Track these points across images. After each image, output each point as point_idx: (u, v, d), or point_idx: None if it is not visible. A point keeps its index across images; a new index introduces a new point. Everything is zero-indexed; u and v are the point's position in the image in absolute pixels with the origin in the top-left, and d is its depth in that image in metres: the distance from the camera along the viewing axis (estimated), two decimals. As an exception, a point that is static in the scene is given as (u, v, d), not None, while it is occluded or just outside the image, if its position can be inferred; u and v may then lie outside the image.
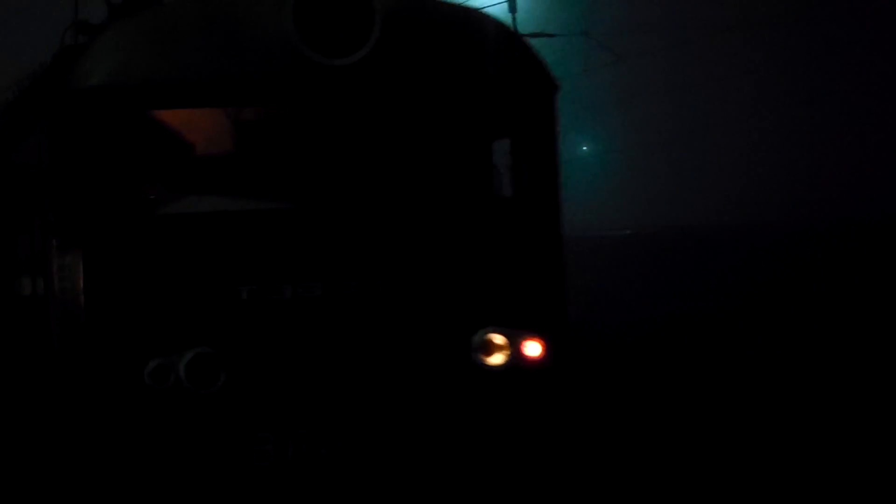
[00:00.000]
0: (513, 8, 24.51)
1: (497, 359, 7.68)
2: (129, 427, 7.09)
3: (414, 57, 7.61)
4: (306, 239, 7.41)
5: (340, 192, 7.56)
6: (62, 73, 7.67)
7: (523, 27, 28.18)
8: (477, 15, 8.28)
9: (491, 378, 7.64)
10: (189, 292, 7.23)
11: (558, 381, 7.87)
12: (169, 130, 7.44)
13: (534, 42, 30.07)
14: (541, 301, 7.88)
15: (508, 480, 7.62)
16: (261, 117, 7.59)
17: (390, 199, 7.62)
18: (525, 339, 7.73)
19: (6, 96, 10.34)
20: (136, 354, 7.09)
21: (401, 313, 7.53)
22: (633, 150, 60.47)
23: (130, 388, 7.06)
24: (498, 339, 7.70)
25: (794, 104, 55.05)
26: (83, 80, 7.21)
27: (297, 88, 7.31)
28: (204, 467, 7.20)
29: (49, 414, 7.81)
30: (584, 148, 67.28)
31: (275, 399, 7.30)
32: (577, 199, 64.22)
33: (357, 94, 7.43)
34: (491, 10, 29.92)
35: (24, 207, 8.40)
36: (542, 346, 7.74)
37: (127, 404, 7.08)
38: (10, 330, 8.93)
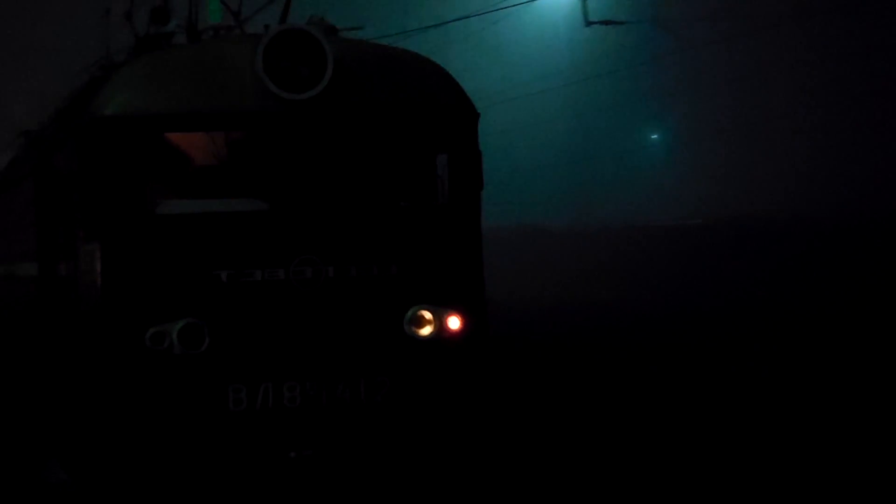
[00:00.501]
0: (583, -6, 24.48)
1: (426, 330, 9.88)
2: (133, 379, 9.30)
3: (360, 90, 9.85)
4: (274, 235, 9.59)
5: (303, 198, 9.70)
6: (88, 100, 10.15)
7: (594, 14, 28.08)
8: (413, 56, 10.52)
9: (421, 346, 9.85)
10: (181, 275, 9.44)
11: (475, 349, 10.05)
12: (168, 149, 9.68)
13: (603, 29, 29.97)
14: (461, 285, 10.11)
15: (433, 425, 9.77)
16: (241, 140, 9.82)
17: (342, 205, 9.82)
18: (448, 315, 9.93)
19: (55, 109, 13.50)
20: (139, 322, 9.31)
21: (349, 294, 9.71)
22: (704, 138, 60.00)
23: (135, 348, 9.29)
24: (426, 314, 9.87)
25: (861, 94, 54.30)
26: (102, 108, 9.56)
27: (269, 118, 9.61)
28: (190, 412, 9.37)
29: (77, 363, 10.35)
30: (654, 136, 66.98)
31: (246, 359, 9.50)
32: (648, 188, 63.94)
33: (316, 121, 9.70)
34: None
35: (62, 204, 10.76)
36: (461, 320, 9.95)
37: (131, 361, 9.31)
38: (52, 301, 11.58)
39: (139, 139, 9.45)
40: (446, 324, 9.91)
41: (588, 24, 27.11)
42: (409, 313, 9.83)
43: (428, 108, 10.13)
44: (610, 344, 27.57)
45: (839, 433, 14.61)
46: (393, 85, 10.01)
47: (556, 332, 31.56)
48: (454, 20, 24.47)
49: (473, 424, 9.95)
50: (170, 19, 10.86)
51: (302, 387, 9.54)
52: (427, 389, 9.82)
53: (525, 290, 51.86)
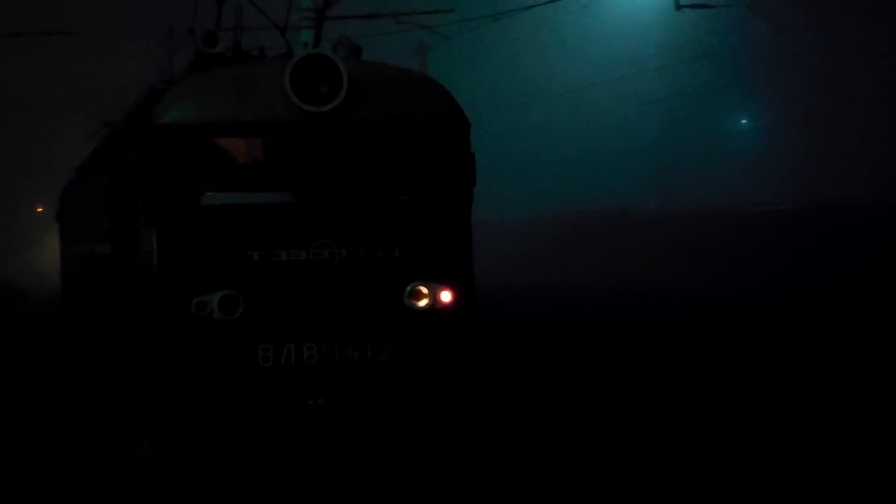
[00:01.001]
0: (674, -22, 24.38)
1: (422, 303, 11.84)
2: (181, 338, 11.31)
3: (370, 104, 11.82)
4: (297, 223, 11.56)
5: (322, 192, 11.68)
6: (150, 108, 12.20)
7: (685, -2, 27.93)
8: (418, 75, 13.04)
9: (418, 315, 11.79)
10: (220, 255, 11.42)
11: (464, 319, 12.01)
12: (212, 151, 11.62)
13: (693, 13, 29.79)
14: (453, 266, 12.09)
15: (428, 381, 11.72)
16: (271, 144, 11.80)
17: (354, 199, 11.77)
18: (441, 290, 11.89)
19: (128, 110, 15.52)
20: (186, 293, 11.32)
21: (358, 272, 11.66)
22: (794, 123, 59.28)
23: (182, 314, 11.31)
24: (423, 289, 11.82)
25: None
26: (159, 117, 11.61)
27: (294, 127, 11.62)
28: (226, 366, 11.33)
29: (139, 328, 12.49)
30: (743, 121, 66.29)
31: (273, 324, 11.45)
32: (736, 173, 63.35)
33: (333, 129, 11.70)
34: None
35: (129, 194, 12.80)
36: (452, 295, 11.93)
37: (180, 325, 11.31)
38: (121, 276, 13.74)
39: (188, 144, 11.49)
40: (439, 297, 11.92)
41: (679, 7, 27.00)
42: (409, 288, 11.83)
43: (427, 120, 12.15)
44: (695, 329, 27.51)
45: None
46: (398, 100, 12.09)
47: (642, 317, 31.54)
48: (544, 3, 24.49)
49: (462, 381, 11.93)
50: (217, 42, 12.99)
51: (319, 347, 11.57)
52: (423, 351, 11.82)
53: (613, 274, 51.77)
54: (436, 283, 11.89)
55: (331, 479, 11.19)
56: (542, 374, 20.10)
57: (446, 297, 11.92)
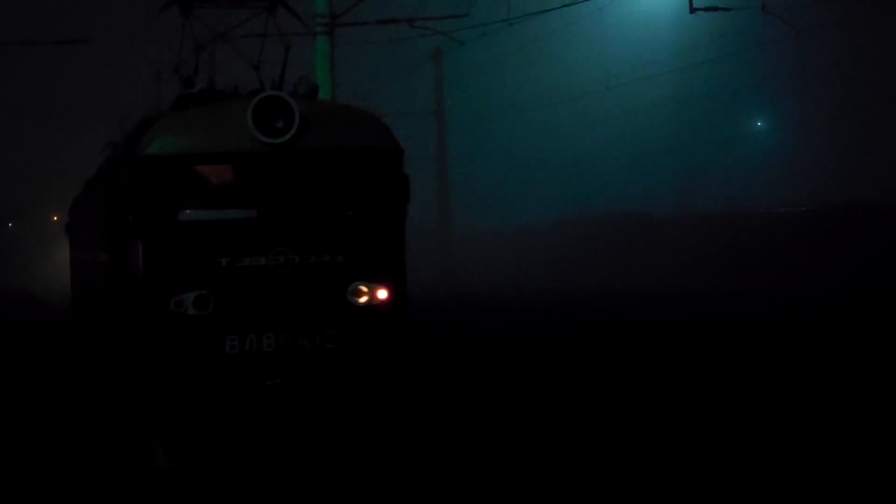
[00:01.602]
0: (688, -19, 24.29)
1: (362, 299, 14.00)
2: (163, 331, 13.45)
3: (318, 136, 14.04)
4: (258, 234, 13.73)
5: (278, 209, 13.89)
6: (138, 138, 14.47)
7: (699, 1, 27.86)
8: (358, 110, 15.23)
9: (358, 310, 14.00)
10: (194, 261, 13.54)
11: (397, 312, 14.23)
12: (188, 176, 13.81)
13: (708, 16, 29.66)
14: (388, 269, 14.27)
15: (367, 364, 13.97)
16: (237, 170, 14.00)
17: (305, 214, 13.98)
18: (378, 288, 14.06)
19: (124, 136, 17.99)
20: (166, 293, 13.47)
21: (309, 274, 13.84)
22: (810, 126, 59.13)
23: (163, 311, 13.47)
24: (363, 288, 13.97)
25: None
26: (145, 148, 13.80)
27: (255, 156, 13.86)
28: (199, 353, 13.46)
29: (129, 323, 14.69)
30: (759, 124, 66.16)
31: (238, 318, 13.59)
32: (753, 176, 63.22)
33: (287, 157, 13.93)
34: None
35: (123, 210, 14.74)
36: (387, 292, 14.14)
37: (162, 319, 13.48)
38: (114, 279, 16.05)
39: (168, 171, 13.74)
40: (376, 295, 14.13)
41: (693, 10, 26.93)
42: (351, 287, 14.01)
43: (365, 148, 14.42)
44: (712, 333, 27.45)
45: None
46: (342, 132, 14.41)
47: (658, 320, 31.48)
48: (558, 7, 24.47)
49: (396, 364, 14.26)
50: (194, 84, 15.13)
51: (276, 337, 13.78)
52: (362, 339, 14.07)
53: (630, 277, 51.70)
54: (373, 282, 14.17)
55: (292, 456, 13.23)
56: (547, 377, 20.09)
57: (382, 294, 14.20)
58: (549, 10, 24.22)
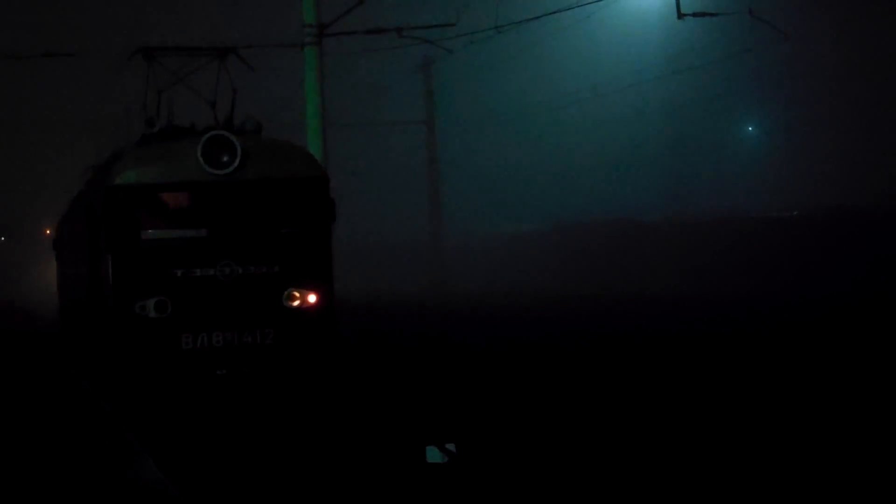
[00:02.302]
0: (676, -13, 24.31)
1: (295, 303, 16.75)
2: (127, 331, 16.18)
3: (256, 167, 16.81)
4: (208, 249, 16.43)
5: (225, 228, 16.62)
6: (108, 169, 17.32)
7: (687, 6, 27.90)
8: (290, 144, 18.10)
9: (292, 311, 16.73)
10: (155, 272, 16.26)
11: (325, 313, 16.97)
12: (149, 202, 16.57)
13: (697, 21, 29.69)
14: (316, 277, 16.97)
15: (299, 356, 16.69)
16: (189, 196, 16.72)
17: (247, 232, 16.69)
18: (308, 294, 16.77)
19: (94, 168, 21.65)
20: (131, 299, 16.21)
21: (251, 283, 16.57)
22: (799, 130, 59.23)
23: (129, 314, 16.18)
24: (296, 293, 16.73)
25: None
26: (112, 179, 16.61)
27: (204, 185, 16.57)
28: (159, 349, 16.18)
29: (101, 325, 17.46)
30: (749, 129, 66.25)
31: (191, 320, 16.25)
32: (743, 181, 63.28)
33: (231, 186, 16.68)
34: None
35: (96, 230, 17.37)
36: (316, 297, 16.85)
37: (128, 321, 16.19)
38: (90, 287, 18.50)
39: (132, 198, 16.52)
40: (307, 299, 16.90)
41: (681, 16, 26.96)
42: (286, 293, 16.83)
43: (296, 178, 17.24)
44: (705, 338, 27.45)
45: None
46: (277, 164, 17.18)
47: (649, 327, 31.49)
48: (547, 14, 24.51)
49: (324, 356, 17.07)
50: (155, 124, 17.89)
51: (223, 335, 16.50)
52: (295, 336, 16.84)
53: (621, 284, 51.69)
54: (304, 289, 16.91)
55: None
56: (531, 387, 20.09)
57: (312, 298, 16.95)
58: (537, 18, 24.25)
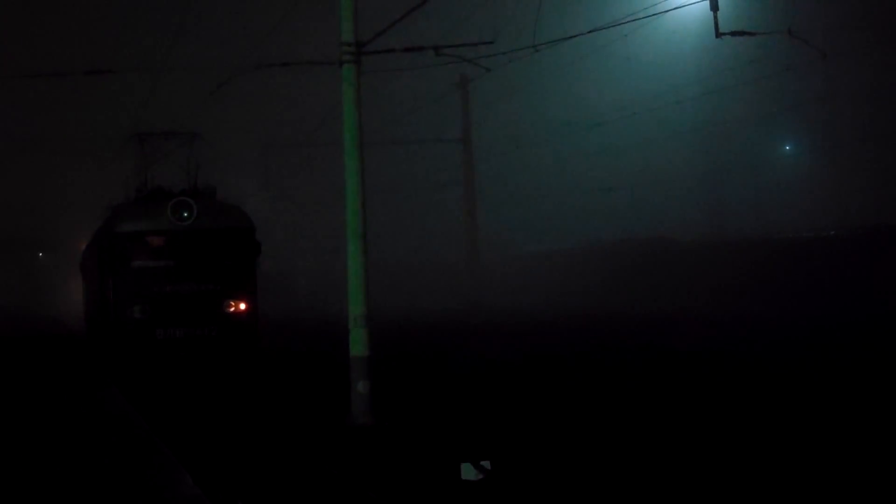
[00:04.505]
0: (714, 6, 24.20)
1: (231, 309, 25.18)
2: (123, 328, 25.19)
3: (206, 221, 25.59)
4: (174, 275, 25.23)
5: (185, 261, 25.33)
6: (112, 220, 26.99)
7: (725, 25, 27.84)
8: (229, 205, 26.90)
9: (229, 315, 25.29)
10: (140, 289, 25.00)
11: (250, 317, 25.50)
12: (138, 244, 25.37)
13: (735, 40, 29.60)
14: (245, 293, 25.60)
15: (232, 346, 25.21)
16: (163, 240, 25.42)
17: (200, 264, 25.36)
18: (239, 303, 25.36)
19: (110, 214, 29.03)
20: (125, 306, 25.12)
21: (201, 296, 25.17)
22: (837, 150, 58.93)
23: (124, 316, 25.13)
24: (231, 303, 25.20)
25: None
26: (113, 227, 26.10)
27: (173, 232, 25.42)
28: (143, 339, 24.97)
29: (105, 323, 27.18)
30: (787, 148, 65.98)
31: (163, 320, 24.97)
32: (780, 200, 63.00)
33: (190, 233, 25.42)
34: (690, 10, 29.71)
35: (104, 262, 26.77)
36: (245, 305, 25.43)
37: (123, 321, 25.16)
38: (101, 300, 28.03)
39: (126, 240, 25.36)
40: (238, 307, 25.35)
41: (719, 35, 26.86)
42: (224, 302, 25.24)
43: (231, 228, 25.91)
44: (742, 358, 27.33)
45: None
46: (219, 218, 25.87)
47: (686, 346, 31.38)
48: (584, 33, 24.50)
49: (250, 345, 25.46)
50: (144, 190, 27.29)
51: (184, 330, 24.96)
52: (230, 331, 25.23)
53: (655, 301, 51.52)
54: (236, 300, 25.45)
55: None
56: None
57: (242, 306, 25.50)
58: (575, 37, 24.23)
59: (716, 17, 26.15)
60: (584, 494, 12.67)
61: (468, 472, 13.37)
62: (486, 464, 13.43)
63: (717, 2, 23.99)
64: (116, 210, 27.60)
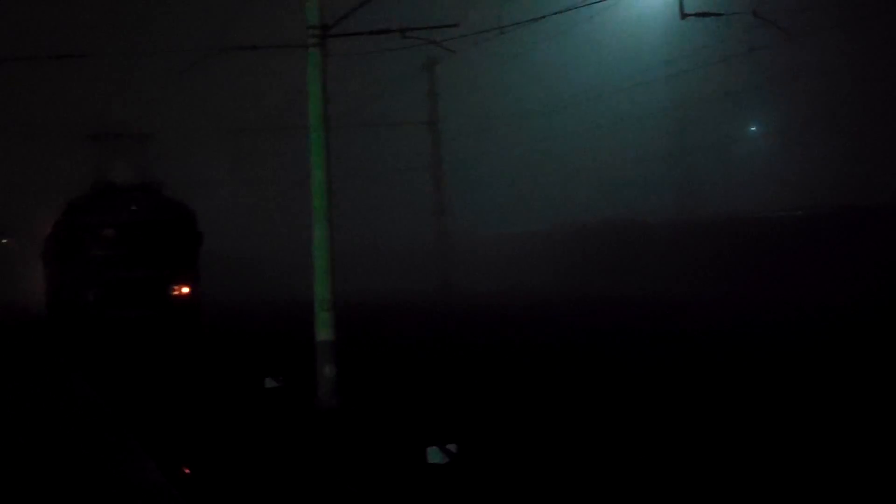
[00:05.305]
0: (679, -13, 24.26)
1: (176, 293, 28.85)
2: (79, 309, 28.92)
3: (152, 212, 29.34)
4: (126, 260, 28.69)
5: (135, 247, 28.84)
6: (69, 214, 30.63)
7: (690, 6, 27.90)
8: (173, 198, 30.50)
9: (173, 298, 28.93)
10: (94, 274, 28.58)
11: (193, 299, 29.27)
12: (90, 233, 28.91)
13: (701, 21, 29.62)
14: (188, 277, 29.22)
15: (177, 324, 29.01)
16: (115, 229, 28.92)
17: (149, 250, 28.86)
18: (182, 286, 28.98)
19: (66, 207, 32.10)
20: (81, 290, 28.70)
21: (151, 280, 28.66)
22: (803, 130, 59.17)
23: (80, 299, 28.85)
24: (175, 286, 28.56)
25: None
26: (72, 220, 29.80)
27: (124, 223, 28.92)
28: (98, 319, 28.64)
29: (63, 305, 31.00)
30: (752, 128, 66.19)
31: (115, 301, 28.43)
32: (746, 180, 63.25)
33: (137, 223, 29.11)
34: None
35: (62, 250, 30.48)
36: (188, 289, 29.11)
37: (78, 304, 28.95)
38: (59, 284, 31.90)
39: (82, 231, 28.82)
40: (182, 290, 28.53)
41: (684, 16, 26.95)
42: (170, 286, 28.35)
43: (175, 217, 29.26)
44: (711, 338, 27.45)
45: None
46: (164, 210, 29.29)
47: (655, 327, 31.48)
48: (549, 15, 24.50)
49: (192, 323, 28.94)
50: (98, 186, 29.62)
51: (135, 310, 28.26)
52: (176, 311, 28.57)
53: (627, 284, 51.67)
54: (180, 284, 28.09)
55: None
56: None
57: (185, 290, 28.29)
58: (540, 18, 24.23)
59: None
60: (547, 475, 12.71)
61: (434, 455, 13.38)
62: (452, 447, 13.44)
63: (681, -18, 24.03)
64: (73, 203, 30.62)
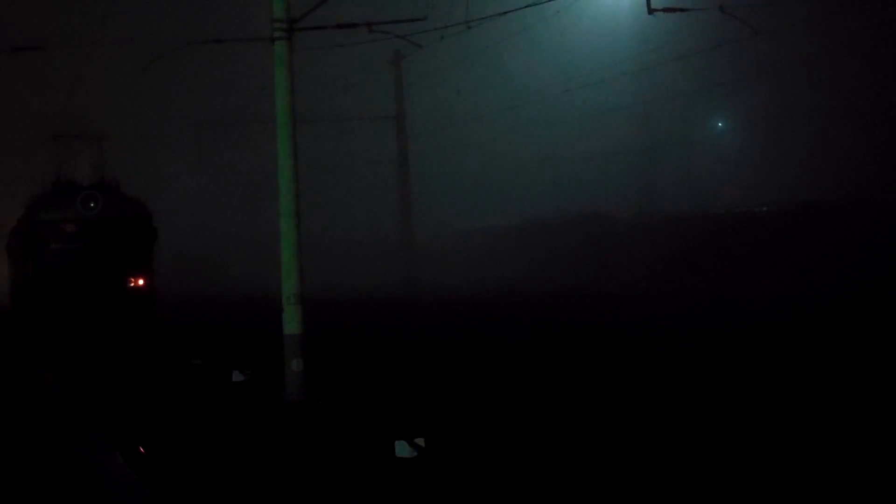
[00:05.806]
0: (646, -17, 24.29)
1: (132, 285, 29.98)
2: (42, 301, 29.91)
3: (110, 210, 30.16)
4: (86, 256, 29.80)
5: (94, 245, 29.96)
6: (33, 208, 31.80)
7: (657, 2, 27.88)
8: (130, 197, 31.40)
9: (129, 290, 30.02)
10: (57, 268, 29.68)
11: (147, 292, 30.25)
12: (55, 229, 30.01)
13: (668, 17, 29.66)
14: (143, 271, 30.29)
15: (134, 313, 29.93)
16: (75, 226, 29.97)
17: (108, 249, 29.99)
18: (138, 280, 30.02)
19: (32, 202, 33.28)
20: (43, 282, 29.70)
21: (110, 274, 29.81)
22: (770, 125, 59.41)
23: (43, 291, 29.77)
24: (132, 279, 29.88)
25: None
26: (34, 215, 30.84)
27: (82, 220, 29.98)
28: (61, 309, 29.65)
29: (27, 297, 31.37)
30: (720, 125, 66.40)
31: (76, 293, 29.55)
32: (713, 176, 63.45)
33: (97, 221, 30.00)
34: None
35: (25, 245, 31.21)
36: (143, 282, 30.13)
37: (42, 295, 29.83)
38: (24, 277, 32.16)
39: (44, 227, 29.91)
40: (138, 283, 29.82)
41: (651, 11, 26.94)
42: (126, 279, 29.68)
43: (131, 217, 30.32)
44: (676, 333, 27.53)
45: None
46: (121, 208, 30.24)
47: (622, 322, 31.54)
48: (516, 9, 24.48)
49: (146, 313, 29.96)
50: (60, 184, 31.44)
51: (93, 301, 29.38)
52: (131, 302, 29.80)
53: (594, 280, 51.76)
54: (136, 277, 29.61)
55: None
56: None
57: (140, 282, 29.65)
58: (507, 13, 24.20)
59: (648, -6, 26.18)
60: (512, 468, 12.71)
61: (402, 449, 13.35)
62: (420, 441, 13.41)
63: (649, -22, 24.05)
64: (35, 200, 33.01)
